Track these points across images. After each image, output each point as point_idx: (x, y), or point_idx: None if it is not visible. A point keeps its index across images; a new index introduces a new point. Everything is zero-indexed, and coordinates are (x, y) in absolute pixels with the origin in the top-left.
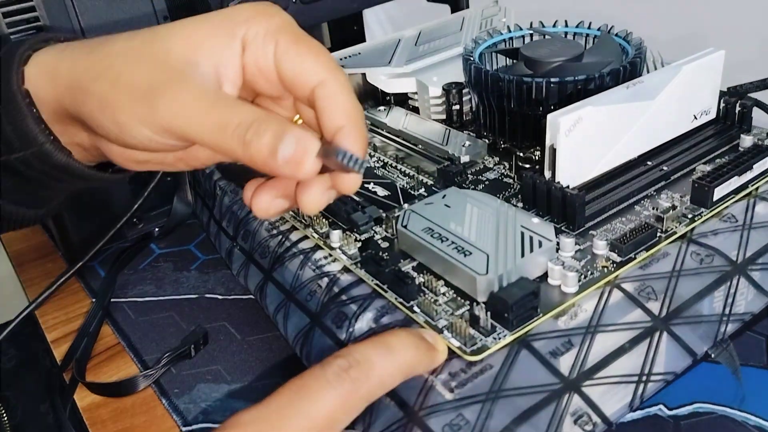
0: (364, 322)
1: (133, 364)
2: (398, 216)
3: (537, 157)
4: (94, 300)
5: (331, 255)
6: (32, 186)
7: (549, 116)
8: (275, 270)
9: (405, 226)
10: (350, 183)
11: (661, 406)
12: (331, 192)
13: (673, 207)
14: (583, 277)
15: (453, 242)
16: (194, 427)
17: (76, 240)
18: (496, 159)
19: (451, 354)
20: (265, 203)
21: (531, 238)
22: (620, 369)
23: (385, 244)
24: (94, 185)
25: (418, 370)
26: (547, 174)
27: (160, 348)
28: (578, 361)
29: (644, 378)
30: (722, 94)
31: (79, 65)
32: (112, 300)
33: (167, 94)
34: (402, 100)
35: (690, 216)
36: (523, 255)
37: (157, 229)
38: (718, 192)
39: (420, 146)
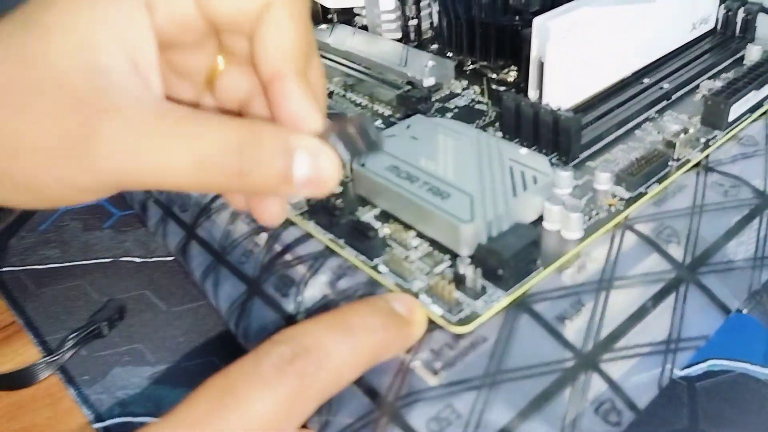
0: (316, 288)
1: (33, 347)
2: None
3: (513, 79)
4: None
5: None
6: None
7: (536, 21)
8: (200, 225)
9: (363, 165)
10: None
11: None
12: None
13: (685, 130)
14: (587, 218)
15: (426, 182)
16: (109, 422)
17: None
18: (464, 83)
19: (432, 325)
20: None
21: (522, 173)
22: (644, 335)
23: (337, 189)
24: None
25: (389, 353)
26: (533, 94)
27: (66, 326)
28: (593, 326)
29: (673, 345)
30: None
31: None
32: (4, 268)
33: (99, 137)
34: (348, 20)
35: (703, 140)
36: (515, 195)
37: None
38: (735, 110)
39: (373, 70)
